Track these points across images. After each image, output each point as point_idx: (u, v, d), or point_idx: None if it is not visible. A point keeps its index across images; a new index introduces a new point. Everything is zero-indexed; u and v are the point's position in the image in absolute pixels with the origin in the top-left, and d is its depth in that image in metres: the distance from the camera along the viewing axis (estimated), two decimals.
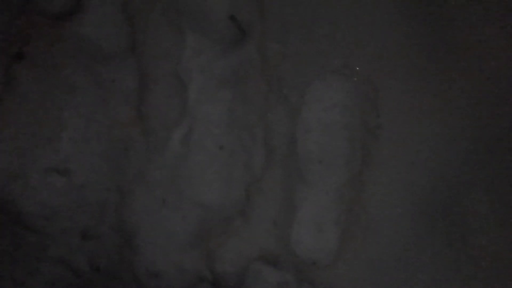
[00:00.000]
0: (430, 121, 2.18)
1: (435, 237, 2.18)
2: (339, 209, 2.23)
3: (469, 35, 2.14)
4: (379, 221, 2.22)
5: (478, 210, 2.15)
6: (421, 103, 2.18)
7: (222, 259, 2.35)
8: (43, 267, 2.43)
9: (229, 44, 2.28)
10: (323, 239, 2.24)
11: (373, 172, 2.22)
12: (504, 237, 2.13)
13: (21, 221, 2.36)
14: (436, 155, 2.17)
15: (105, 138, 2.36)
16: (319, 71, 2.23)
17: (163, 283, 2.39)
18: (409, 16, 2.18)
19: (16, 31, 2.30)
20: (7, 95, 2.30)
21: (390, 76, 2.20)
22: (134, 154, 2.37)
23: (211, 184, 2.30)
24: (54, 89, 2.32)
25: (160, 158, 2.33)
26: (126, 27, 2.33)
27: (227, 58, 2.29)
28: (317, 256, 2.25)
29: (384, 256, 2.21)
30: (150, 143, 2.35)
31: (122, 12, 2.33)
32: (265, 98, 2.30)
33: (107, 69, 2.35)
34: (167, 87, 2.32)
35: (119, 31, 2.33)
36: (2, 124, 2.28)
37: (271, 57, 2.27)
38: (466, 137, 2.16)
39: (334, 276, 2.26)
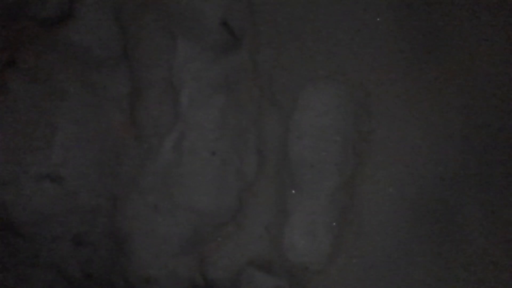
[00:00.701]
0: (423, 125, 2.19)
1: (428, 241, 2.18)
2: (331, 214, 2.23)
3: (463, 37, 2.15)
4: (372, 225, 2.22)
5: (472, 214, 2.15)
6: (414, 107, 2.19)
7: (215, 265, 2.34)
8: (35, 273, 2.42)
9: (222, 50, 2.29)
10: (316, 244, 2.24)
11: (365, 177, 2.22)
12: (498, 240, 2.13)
13: (13, 227, 2.35)
14: (429, 159, 2.18)
15: (97, 144, 2.36)
16: (311, 76, 2.23)
17: None
18: (402, 19, 2.19)
19: (8, 37, 2.29)
20: None
21: (383, 81, 2.20)
22: (127, 160, 2.36)
23: (204, 190, 2.30)
24: (46, 95, 2.31)
25: (152, 164, 2.32)
26: (118, 33, 2.33)
27: (220, 64, 2.29)
28: (310, 261, 2.25)
29: (377, 260, 2.21)
30: (143, 149, 2.35)
31: (115, 18, 2.33)
32: (258, 104, 2.30)
33: (99, 75, 2.34)
34: (159, 93, 2.32)
35: (111, 37, 2.32)
36: None
37: (264, 63, 2.27)
38: (459, 141, 2.17)
39: (327, 280, 2.26)
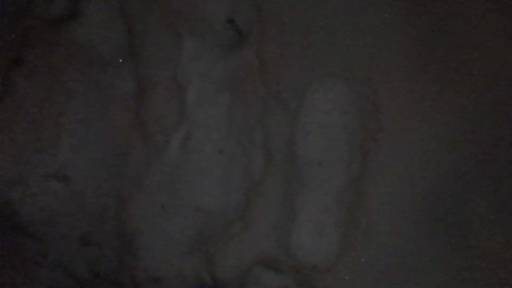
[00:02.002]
0: (430, 123, 2.17)
1: (435, 239, 2.17)
2: (339, 212, 2.22)
3: (468, 36, 2.14)
4: (379, 224, 2.21)
5: (479, 212, 2.14)
6: (421, 105, 2.17)
7: (222, 264, 2.34)
8: (43, 272, 2.43)
9: (228, 48, 2.28)
10: (324, 242, 2.23)
11: (373, 175, 2.21)
12: (505, 239, 2.12)
13: (20, 227, 2.36)
14: (436, 157, 2.16)
15: (104, 144, 2.36)
16: (318, 74, 2.23)
17: None
18: (408, 18, 2.18)
19: (15, 36, 2.30)
20: (5, 100, 2.30)
21: (390, 79, 2.19)
22: (133, 159, 2.37)
23: (211, 189, 2.29)
24: (53, 94, 2.32)
25: (159, 163, 2.32)
26: (124, 32, 2.33)
27: (226, 61, 2.28)
28: (318, 260, 2.24)
29: (385, 259, 2.20)
30: (149, 148, 2.35)
31: (120, 17, 2.33)
32: (264, 102, 2.30)
33: (105, 74, 2.35)
34: (165, 91, 2.32)
35: (117, 36, 2.33)
36: (0, 130, 2.29)
37: (270, 61, 2.27)
38: (466, 138, 2.15)
39: (334, 279, 2.25)
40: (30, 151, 2.30)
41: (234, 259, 2.34)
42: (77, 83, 2.33)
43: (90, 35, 2.31)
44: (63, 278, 2.44)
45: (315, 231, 2.23)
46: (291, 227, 2.26)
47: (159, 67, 2.30)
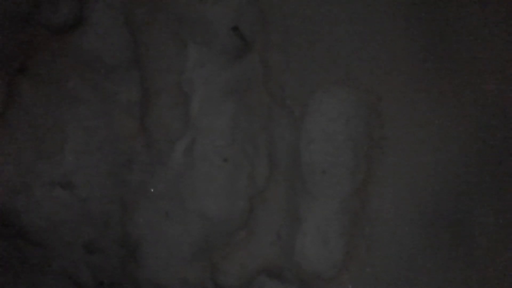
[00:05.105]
0: (435, 132, 2.16)
1: (440, 249, 2.16)
2: (343, 220, 2.22)
3: (472, 40, 2.13)
4: (384, 232, 2.20)
5: (485, 222, 2.13)
6: (426, 112, 2.16)
7: (226, 272, 2.33)
8: (47, 280, 2.43)
9: (232, 55, 2.28)
10: (328, 251, 2.22)
11: (377, 183, 2.20)
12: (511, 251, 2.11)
13: (24, 234, 2.36)
14: (441, 165, 2.15)
15: (108, 151, 2.37)
16: (322, 81, 2.22)
17: None
18: (411, 24, 2.17)
19: (19, 44, 2.31)
20: (10, 108, 2.30)
21: (394, 85, 2.18)
22: (137, 166, 2.37)
23: (215, 196, 2.29)
24: (57, 102, 2.33)
25: (163, 170, 2.32)
26: (128, 39, 2.34)
27: (230, 69, 2.28)
28: (322, 268, 2.23)
29: (389, 268, 2.19)
30: (153, 156, 2.35)
31: (125, 24, 2.33)
32: (268, 109, 2.29)
33: (110, 82, 2.35)
34: (170, 99, 2.32)
35: (122, 43, 2.33)
36: (5, 138, 2.29)
37: (274, 68, 2.26)
38: (472, 146, 2.14)
39: None
40: (34, 159, 2.31)
41: (238, 267, 2.34)
42: (82, 91, 2.33)
43: (94, 43, 2.31)
44: (67, 286, 2.44)
45: (319, 239, 2.22)
46: (295, 235, 2.25)
47: (164, 75, 2.31)
